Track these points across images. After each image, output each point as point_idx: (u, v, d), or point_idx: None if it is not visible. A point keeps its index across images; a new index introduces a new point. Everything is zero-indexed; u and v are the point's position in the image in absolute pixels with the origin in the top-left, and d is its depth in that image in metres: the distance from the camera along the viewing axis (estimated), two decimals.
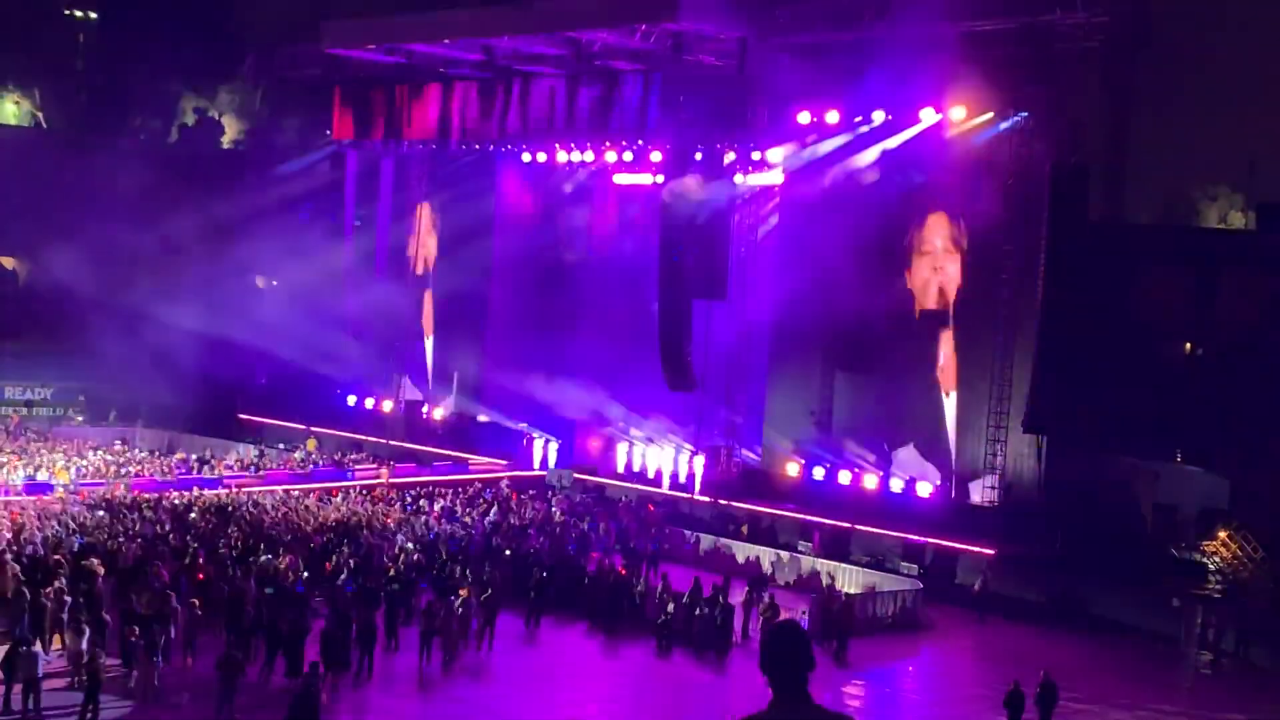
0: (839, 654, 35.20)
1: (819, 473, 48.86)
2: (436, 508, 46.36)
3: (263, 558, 36.78)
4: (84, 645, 28.25)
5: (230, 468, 53.32)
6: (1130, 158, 45.81)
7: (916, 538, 44.02)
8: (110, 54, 76.57)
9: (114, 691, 28.23)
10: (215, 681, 27.58)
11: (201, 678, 29.06)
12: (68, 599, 31.34)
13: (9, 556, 34.59)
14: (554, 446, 57.06)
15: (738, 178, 51.56)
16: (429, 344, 65.23)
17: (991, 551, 42.51)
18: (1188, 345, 46.77)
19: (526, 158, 58.65)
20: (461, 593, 34.18)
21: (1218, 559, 40.51)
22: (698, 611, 35.61)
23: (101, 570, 34.52)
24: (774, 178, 51.94)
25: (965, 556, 43.05)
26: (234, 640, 29.71)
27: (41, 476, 47.55)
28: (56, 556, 35.10)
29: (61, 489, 45.34)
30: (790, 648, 7.97)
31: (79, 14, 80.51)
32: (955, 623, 40.16)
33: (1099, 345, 43.73)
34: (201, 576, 34.63)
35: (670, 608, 35.88)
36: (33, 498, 43.78)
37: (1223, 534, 40.75)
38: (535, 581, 37.29)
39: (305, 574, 36.32)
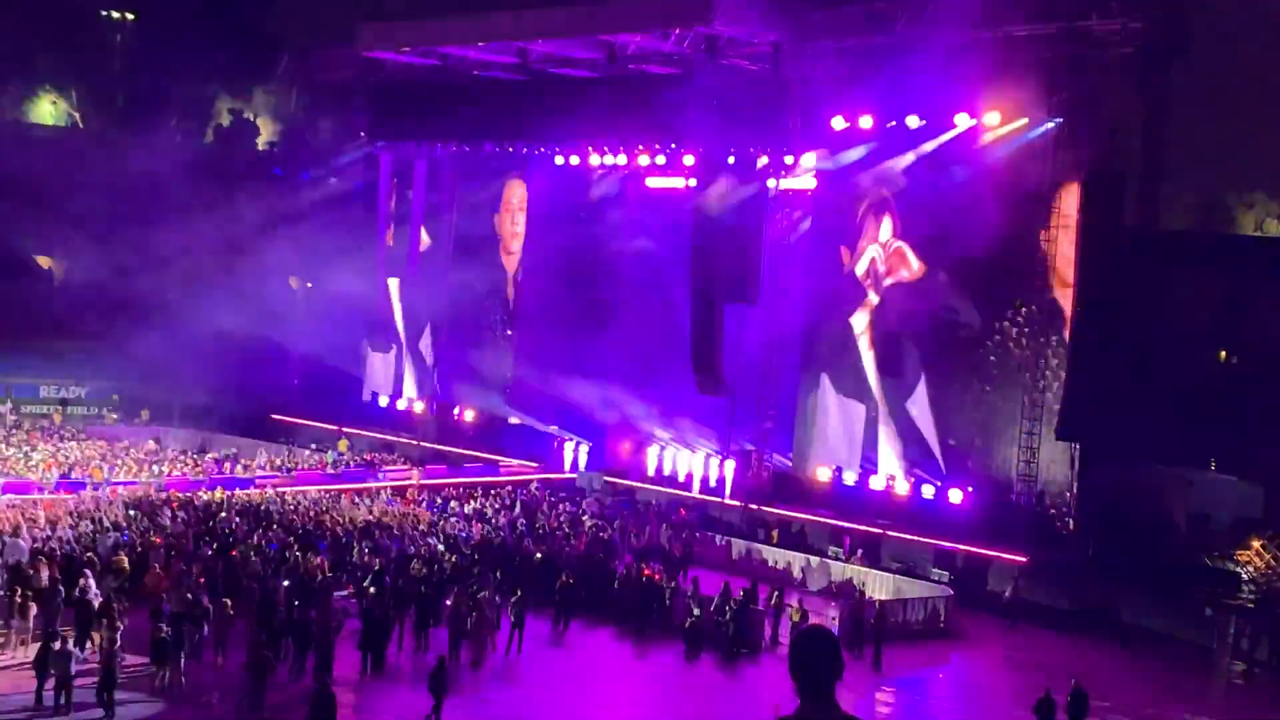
0: (875, 661, 35.11)
1: (850, 478, 48.75)
2: (467, 510, 46.43)
3: (293, 557, 36.94)
4: (115, 642, 28.38)
5: (262, 467, 53.54)
6: (1166, 164, 45.57)
7: (948, 544, 43.86)
8: (146, 55, 76.98)
9: (145, 690, 28.37)
10: (245, 681, 27.69)
11: (232, 676, 29.16)
12: (98, 596, 31.56)
13: (43, 555, 34.85)
14: (584, 449, 57.10)
15: (770, 181, 51.48)
16: (455, 345, 65.27)
17: (1023, 559, 42.32)
18: (1222, 353, 46.48)
19: (559, 160, 58.66)
20: (484, 593, 34.22)
21: (1251, 568, 40.22)
22: (725, 616, 35.55)
23: (130, 568, 34.73)
24: (807, 182, 51.82)
25: (997, 563, 42.86)
26: (264, 640, 29.81)
27: (75, 475, 47.86)
28: (90, 554, 35.35)
29: (94, 488, 45.61)
30: (818, 652, 7.93)
31: (115, 15, 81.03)
32: (986, 630, 39.99)
33: (1133, 352, 43.51)
34: (232, 575, 34.79)
35: (696, 611, 35.85)
36: (67, 495, 44.05)
37: (1256, 543, 40.47)
38: (562, 584, 37.29)
39: (335, 574, 36.46)
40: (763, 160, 50.70)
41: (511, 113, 56.83)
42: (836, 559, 44.41)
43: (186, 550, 37.13)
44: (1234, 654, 37.98)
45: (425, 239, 65.64)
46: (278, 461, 55.20)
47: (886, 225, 48.23)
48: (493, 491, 49.79)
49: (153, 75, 75.72)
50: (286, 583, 34.47)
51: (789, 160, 50.69)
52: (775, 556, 44.94)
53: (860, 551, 44.53)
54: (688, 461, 54.34)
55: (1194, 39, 43.95)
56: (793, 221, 52.50)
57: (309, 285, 69.97)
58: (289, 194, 68.35)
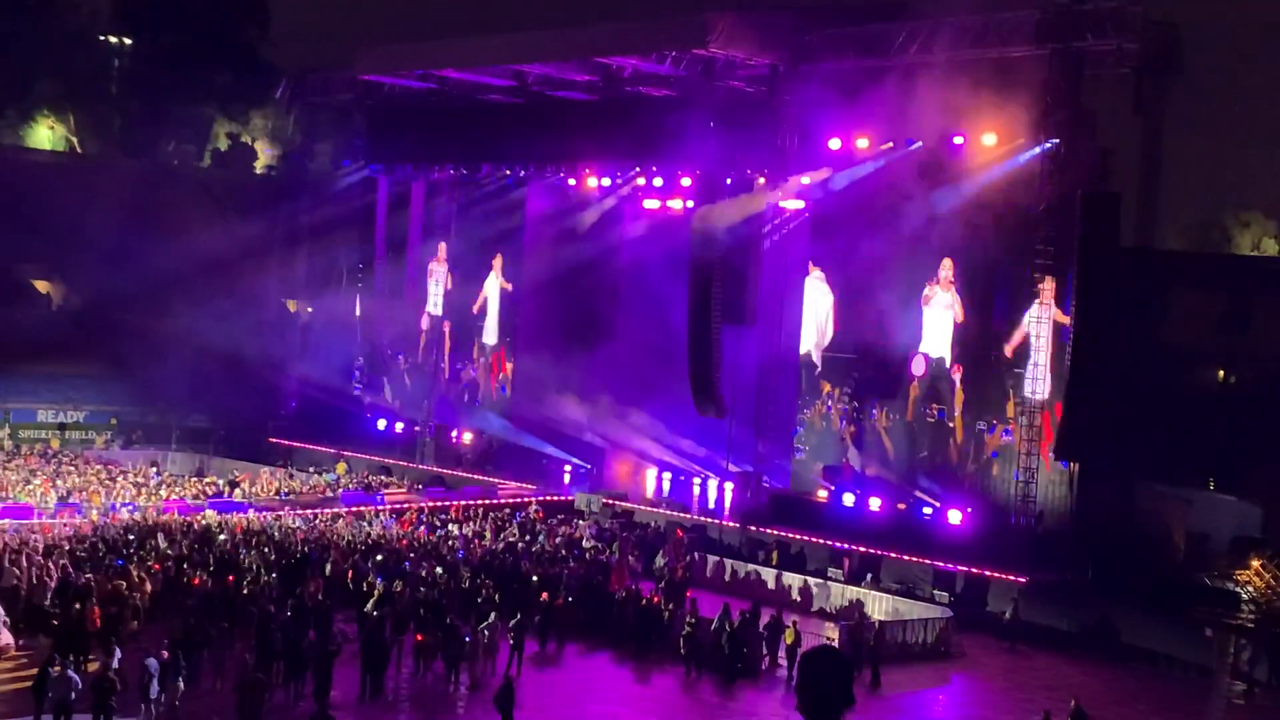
0: (873, 682, 35.01)
1: (849, 499, 48.74)
2: (465, 532, 46.36)
3: (290, 580, 36.90)
4: (114, 666, 28.26)
5: (259, 491, 53.43)
6: (1162, 184, 45.66)
7: (947, 565, 43.80)
8: (144, 79, 77.16)
9: (142, 714, 28.22)
10: (234, 705, 27.58)
11: (231, 702, 29.08)
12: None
13: (43, 579, 34.82)
14: (583, 471, 57.06)
15: (767, 203, 51.56)
16: (454, 367, 65.29)
17: (1023, 579, 42.26)
18: (1220, 372, 46.55)
19: (557, 183, 58.76)
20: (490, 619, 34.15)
21: (1250, 588, 40.17)
22: (724, 638, 35.45)
23: (130, 592, 34.64)
24: (804, 203, 51.89)
25: (996, 584, 42.79)
26: (259, 663, 29.71)
27: (74, 499, 47.80)
28: (87, 577, 35.29)
29: (94, 511, 45.54)
30: (829, 676, 7.85)
31: (114, 39, 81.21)
32: (986, 651, 39.90)
33: (1130, 372, 43.53)
34: (230, 599, 34.71)
35: (689, 624, 35.82)
36: (65, 520, 43.96)
37: (1255, 562, 40.44)
38: (545, 604, 37.25)
39: (333, 597, 36.38)
40: (760, 182, 50.82)
41: (509, 135, 56.96)
42: (836, 580, 44.32)
43: (185, 575, 37.02)
44: (1233, 674, 37.91)
45: (423, 261, 65.68)
46: (276, 485, 55.09)
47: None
48: (491, 514, 49.71)
49: (150, 99, 75.90)
50: (294, 608, 34.40)
51: (786, 182, 50.79)
52: (774, 578, 44.84)
53: (870, 575, 44.32)
54: (686, 483, 54.30)
55: (1189, 60, 44.08)
56: (790, 243, 52.50)
57: (308, 309, 70.00)
58: (287, 217, 68.41)
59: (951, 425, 47.87)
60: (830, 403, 51.65)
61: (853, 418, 50.54)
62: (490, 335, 63.39)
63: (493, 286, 63.41)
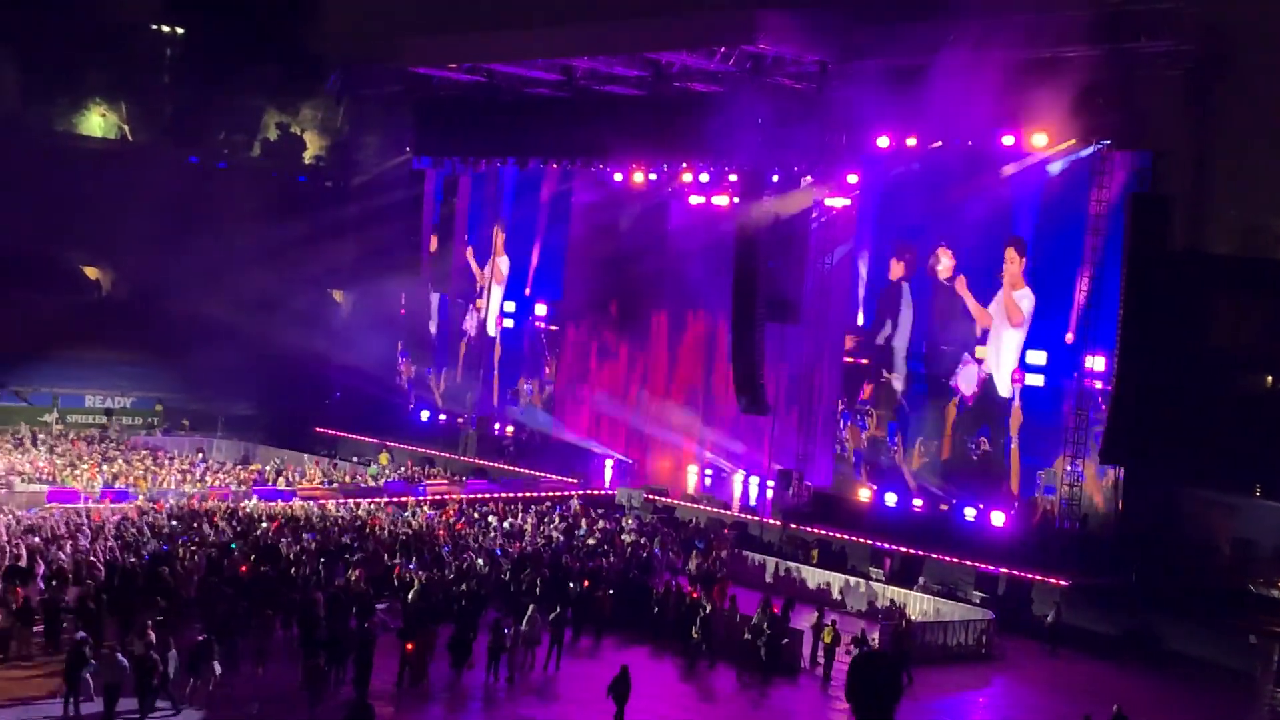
0: (907, 682, 34.87)
1: (891, 499, 48.61)
2: (506, 525, 46.46)
3: (333, 569, 37.09)
4: (150, 649, 28.45)
5: (304, 479, 53.72)
6: (1211, 187, 45.30)
7: (989, 567, 43.60)
8: (196, 69, 77.64)
9: (181, 699, 28.38)
10: (303, 690, 27.90)
11: (272, 687, 29.26)
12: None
13: (87, 563, 35.13)
14: (625, 466, 57.10)
15: (813, 199, 51.45)
16: (497, 361, 65.45)
17: (1066, 582, 42.03)
18: (1268, 378, 46.14)
19: (603, 177, 58.81)
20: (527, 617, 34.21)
21: None
22: (762, 636, 35.36)
23: (173, 578, 34.90)
24: (850, 200, 51.75)
25: (1039, 587, 42.57)
26: (309, 650, 29.89)
27: (120, 485, 48.18)
28: (132, 561, 35.61)
29: (140, 497, 45.90)
30: (877, 679, 7.88)
31: (166, 29, 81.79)
32: (1028, 654, 39.69)
33: (1177, 376, 43.22)
34: (273, 586, 34.91)
35: (702, 609, 35.91)
36: (112, 505, 44.33)
37: None
38: (600, 596, 37.32)
39: (375, 587, 36.54)
40: (806, 179, 50.72)
41: (557, 129, 57.05)
42: (877, 580, 44.16)
43: (227, 561, 37.26)
44: (1276, 682, 37.56)
45: (469, 254, 65.90)
46: (319, 474, 55.38)
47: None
48: (533, 507, 49.82)
49: (201, 89, 76.35)
50: (335, 597, 34.57)
51: (833, 179, 50.66)
52: (815, 576, 44.74)
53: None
54: (728, 480, 54.26)
55: (1240, 62, 43.73)
56: (836, 241, 52.34)
57: (354, 300, 70.33)
58: (334, 208, 68.76)
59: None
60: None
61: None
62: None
63: (539, 279, 63.57)
